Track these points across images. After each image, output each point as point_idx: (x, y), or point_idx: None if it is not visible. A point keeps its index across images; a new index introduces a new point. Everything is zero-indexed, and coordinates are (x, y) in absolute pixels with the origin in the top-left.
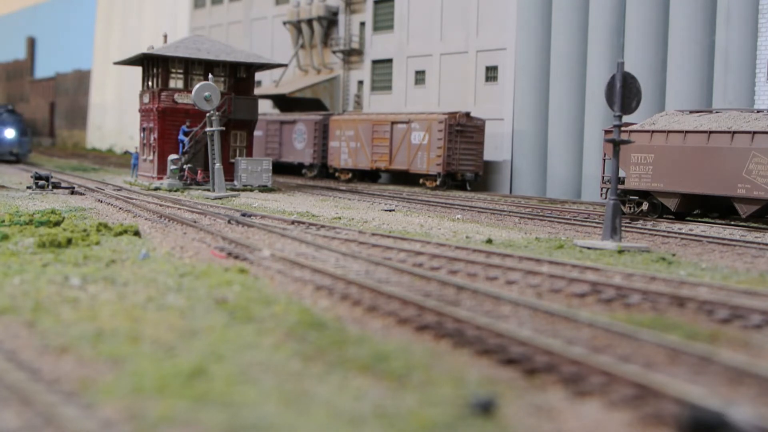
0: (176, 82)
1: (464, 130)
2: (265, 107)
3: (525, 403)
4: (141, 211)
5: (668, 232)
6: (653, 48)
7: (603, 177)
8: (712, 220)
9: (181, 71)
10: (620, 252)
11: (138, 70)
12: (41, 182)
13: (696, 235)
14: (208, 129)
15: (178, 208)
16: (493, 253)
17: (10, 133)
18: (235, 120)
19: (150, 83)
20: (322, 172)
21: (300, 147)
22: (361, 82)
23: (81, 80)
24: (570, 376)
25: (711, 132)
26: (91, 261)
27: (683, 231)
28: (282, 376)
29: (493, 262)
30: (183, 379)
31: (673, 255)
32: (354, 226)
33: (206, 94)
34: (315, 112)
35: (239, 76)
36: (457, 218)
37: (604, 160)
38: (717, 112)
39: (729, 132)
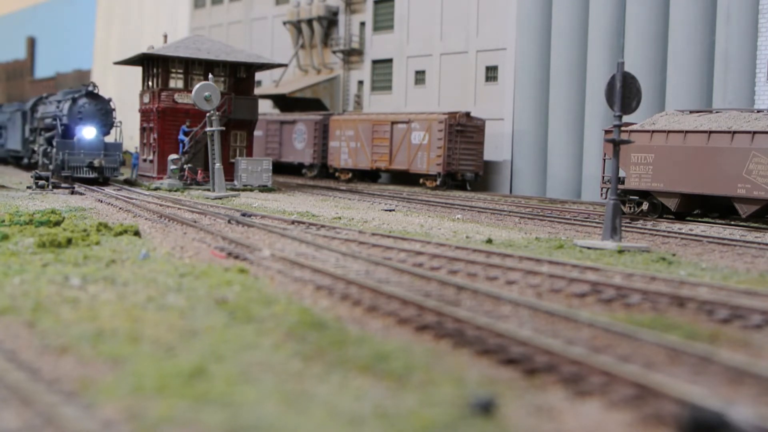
0: (176, 82)
1: (464, 130)
2: (265, 107)
3: (525, 403)
4: (141, 211)
5: (668, 232)
6: (653, 48)
7: (603, 177)
8: (712, 220)
9: (181, 71)
10: (620, 252)
11: (138, 70)
12: (41, 182)
13: (696, 235)
14: (208, 129)
15: (178, 208)
16: (493, 253)
17: (89, 133)
18: (235, 120)
19: (150, 83)
20: (322, 172)
21: (300, 147)
22: (361, 82)
23: (81, 80)
24: (570, 376)
25: (711, 132)
26: (91, 261)
27: (683, 231)
28: (282, 376)
29: (493, 262)
30: (183, 379)
31: (673, 255)
32: (354, 226)
33: (206, 94)
34: (315, 112)
35: (239, 76)
36: (457, 218)
37: (604, 160)
38: (717, 112)
39: (729, 132)
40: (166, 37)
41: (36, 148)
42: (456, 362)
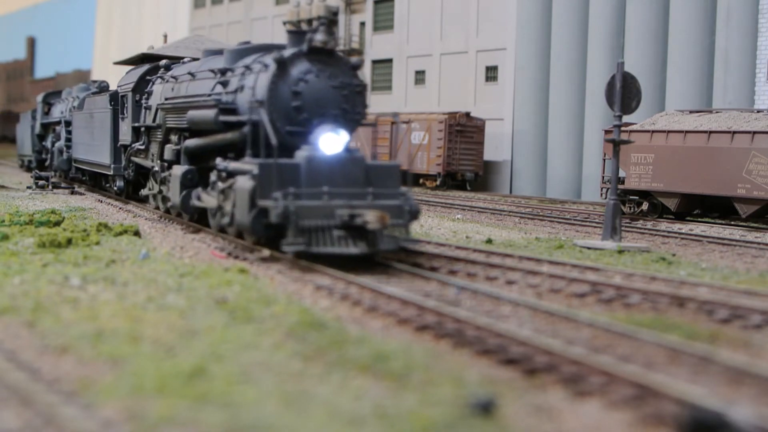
0: None
1: (464, 130)
2: None
3: (525, 403)
4: (141, 211)
5: (668, 232)
6: (653, 48)
7: (603, 177)
8: (712, 220)
9: None
10: (620, 252)
11: None
12: (41, 182)
13: (696, 235)
14: None
15: None
16: (493, 253)
17: (333, 143)
18: None
19: None
20: None
21: None
22: None
23: (81, 80)
24: (570, 376)
25: (711, 132)
26: (91, 261)
27: (683, 231)
28: (282, 376)
29: (493, 261)
30: (183, 379)
31: (673, 255)
32: None
33: None
34: None
35: None
36: (457, 218)
37: (604, 160)
38: (717, 112)
39: (729, 132)
40: (166, 37)
41: (160, 172)
42: (456, 362)
